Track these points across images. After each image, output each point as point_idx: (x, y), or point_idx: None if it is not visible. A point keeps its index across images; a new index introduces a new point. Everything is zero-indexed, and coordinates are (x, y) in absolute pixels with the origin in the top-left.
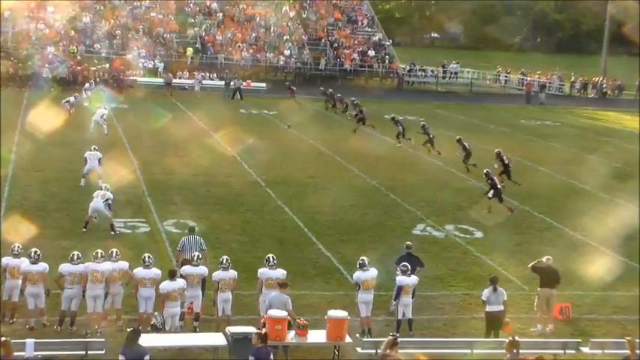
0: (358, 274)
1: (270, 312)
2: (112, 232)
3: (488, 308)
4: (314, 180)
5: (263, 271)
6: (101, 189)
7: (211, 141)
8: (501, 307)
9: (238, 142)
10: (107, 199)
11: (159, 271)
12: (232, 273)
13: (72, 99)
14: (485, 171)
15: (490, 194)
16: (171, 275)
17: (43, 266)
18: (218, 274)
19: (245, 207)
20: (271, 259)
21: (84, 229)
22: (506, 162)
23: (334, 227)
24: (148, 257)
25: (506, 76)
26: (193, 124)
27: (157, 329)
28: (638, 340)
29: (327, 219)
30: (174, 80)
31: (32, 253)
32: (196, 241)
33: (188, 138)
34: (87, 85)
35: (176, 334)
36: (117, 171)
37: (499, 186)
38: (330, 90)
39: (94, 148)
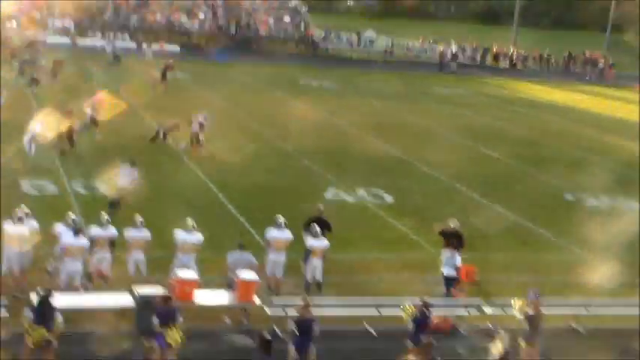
0: (271, 232)
1: (239, 274)
2: None
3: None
4: (226, 143)
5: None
6: None
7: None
8: (453, 272)
9: (154, 105)
10: None
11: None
12: (145, 233)
13: None
14: None
15: None
16: (76, 232)
17: None
18: (130, 234)
19: (156, 168)
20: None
21: None
22: None
23: (246, 191)
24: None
25: (420, 45)
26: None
27: (48, 274)
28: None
29: (238, 182)
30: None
31: None
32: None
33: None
34: None
35: (84, 295)
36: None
37: None
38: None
39: None
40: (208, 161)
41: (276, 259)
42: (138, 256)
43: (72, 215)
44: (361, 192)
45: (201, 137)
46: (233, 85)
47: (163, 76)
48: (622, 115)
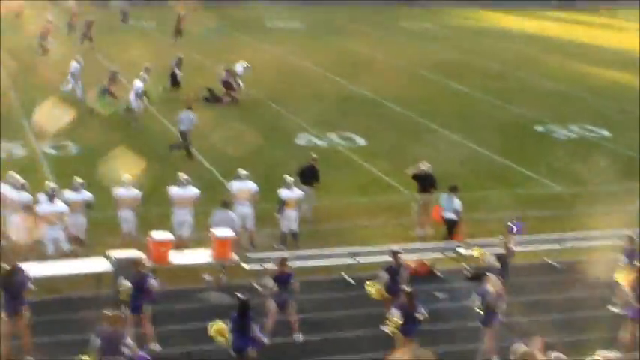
0: (232, 185)
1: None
2: None
3: (444, 214)
4: (190, 91)
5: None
6: None
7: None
8: (453, 216)
9: (120, 57)
10: None
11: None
12: (135, 192)
13: None
14: None
15: None
16: (50, 198)
17: None
18: (119, 192)
19: (126, 122)
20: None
21: None
22: None
23: (216, 141)
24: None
25: None
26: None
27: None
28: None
29: (208, 133)
30: None
31: None
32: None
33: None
34: None
35: (59, 261)
36: None
37: None
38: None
39: None
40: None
41: (242, 211)
42: (127, 215)
43: (50, 184)
44: (333, 136)
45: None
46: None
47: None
48: (591, 40)
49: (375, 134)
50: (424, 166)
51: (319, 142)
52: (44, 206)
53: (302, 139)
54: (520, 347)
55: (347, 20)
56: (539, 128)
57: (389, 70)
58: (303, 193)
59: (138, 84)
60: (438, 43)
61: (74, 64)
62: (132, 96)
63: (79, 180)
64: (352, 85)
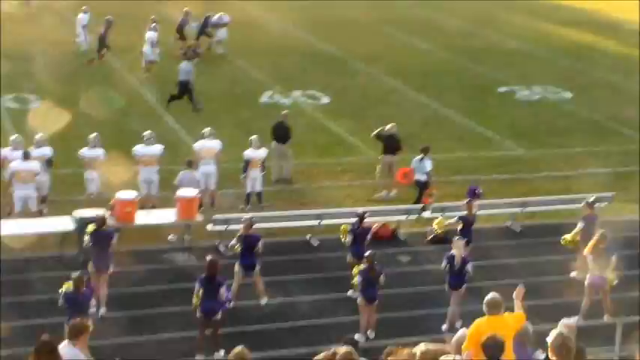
0: (197, 144)
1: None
2: None
3: (415, 176)
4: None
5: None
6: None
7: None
8: (424, 177)
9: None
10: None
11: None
12: (98, 152)
13: None
14: None
15: None
16: (25, 155)
17: None
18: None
19: (89, 79)
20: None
21: None
22: None
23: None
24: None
25: None
26: None
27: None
28: (475, 203)
29: (170, 89)
30: None
31: None
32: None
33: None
34: None
35: (25, 220)
36: None
37: None
38: None
39: None
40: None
41: (206, 169)
42: (91, 175)
43: (18, 137)
44: (297, 93)
45: None
46: None
47: None
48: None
49: (339, 92)
50: (390, 127)
51: (283, 100)
52: (18, 162)
53: (266, 97)
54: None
55: None
56: (503, 89)
57: (352, 26)
58: (266, 152)
59: (150, 34)
60: None
61: (82, 16)
62: (146, 48)
63: (39, 135)
64: (316, 42)
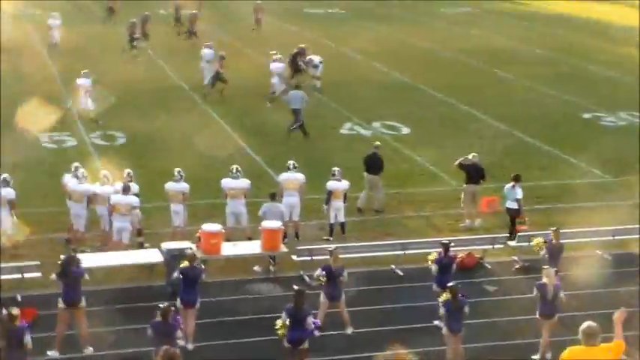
0: (282, 176)
1: (263, 223)
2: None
3: (506, 204)
4: (238, 82)
5: (225, 182)
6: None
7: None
8: (515, 205)
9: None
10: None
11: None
12: (184, 185)
13: None
14: None
15: None
16: (124, 189)
17: None
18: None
19: (170, 113)
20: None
21: None
22: None
23: (261, 131)
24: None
25: None
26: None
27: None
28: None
29: (253, 122)
30: None
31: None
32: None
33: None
34: None
35: (112, 252)
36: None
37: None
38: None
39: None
40: (220, 102)
41: (290, 201)
42: (177, 208)
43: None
44: (376, 124)
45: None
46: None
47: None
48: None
49: (419, 122)
50: (472, 157)
51: (363, 131)
52: (118, 197)
53: (346, 128)
54: None
55: (383, 8)
56: (587, 115)
57: (429, 57)
58: (349, 184)
59: (276, 65)
60: (478, 27)
61: (207, 51)
62: (275, 79)
63: (129, 171)
64: (393, 72)
